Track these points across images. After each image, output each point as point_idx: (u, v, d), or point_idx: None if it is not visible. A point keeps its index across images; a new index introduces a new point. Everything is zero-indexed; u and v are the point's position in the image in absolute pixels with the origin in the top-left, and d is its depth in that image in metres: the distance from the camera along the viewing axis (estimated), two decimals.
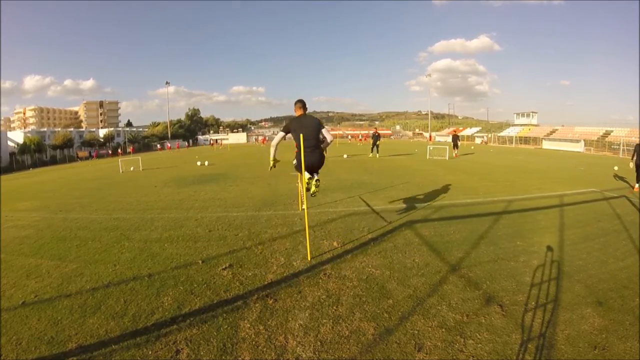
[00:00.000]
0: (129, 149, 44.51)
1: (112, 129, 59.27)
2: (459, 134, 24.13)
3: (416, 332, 2.60)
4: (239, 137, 63.12)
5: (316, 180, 4.16)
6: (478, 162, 16.93)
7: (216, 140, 59.53)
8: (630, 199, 7.21)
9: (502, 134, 44.88)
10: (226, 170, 14.37)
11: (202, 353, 2.41)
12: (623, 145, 25.51)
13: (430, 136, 51.79)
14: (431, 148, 19.79)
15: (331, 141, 4.37)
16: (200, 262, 4.06)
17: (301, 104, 4.29)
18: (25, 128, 67.96)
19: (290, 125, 4.21)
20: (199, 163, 13.96)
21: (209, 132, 72.96)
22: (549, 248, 4.25)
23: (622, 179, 10.60)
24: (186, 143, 59.12)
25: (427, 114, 68.41)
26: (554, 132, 38.23)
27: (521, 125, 46.64)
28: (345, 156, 18.97)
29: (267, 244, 4.62)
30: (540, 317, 2.78)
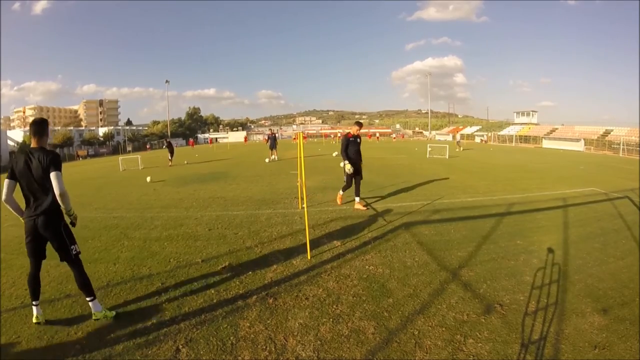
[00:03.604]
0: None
1: (111, 127, 59.24)
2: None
3: (416, 331, 2.60)
4: (239, 136, 63.00)
5: None
6: (478, 160, 16.92)
7: (216, 139, 59.44)
8: (632, 199, 7.20)
9: (502, 132, 44.88)
10: (226, 169, 14.36)
11: (201, 352, 2.40)
12: (623, 145, 25.47)
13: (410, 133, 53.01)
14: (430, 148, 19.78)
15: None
16: (200, 261, 4.05)
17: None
18: (25, 127, 67.76)
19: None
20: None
21: (209, 130, 72.89)
22: (550, 250, 4.24)
23: None
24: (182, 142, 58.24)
25: (427, 113, 68.37)
26: (554, 131, 38.21)
27: (521, 124, 46.64)
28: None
29: (267, 243, 4.61)
30: (541, 316, 2.77)
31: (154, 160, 22.03)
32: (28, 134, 40.51)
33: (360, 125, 6.65)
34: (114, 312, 2.88)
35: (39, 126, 2.67)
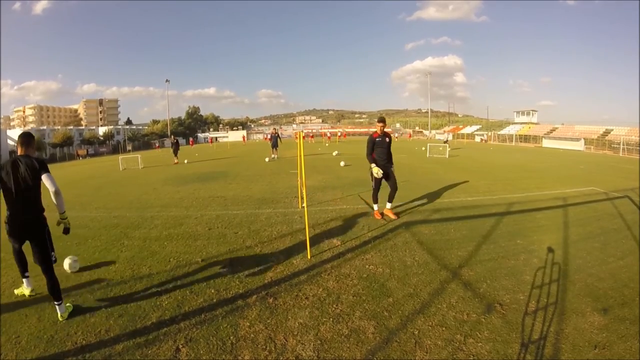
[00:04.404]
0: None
1: (111, 127, 59.25)
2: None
3: (416, 330, 2.60)
4: (239, 135, 62.79)
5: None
6: (478, 160, 16.92)
7: (216, 138, 59.36)
8: (632, 199, 7.19)
9: (502, 132, 44.86)
10: (226, 168, 14.35)
11: (201, 352, 2.40)
12: (623, 144, 25.47)
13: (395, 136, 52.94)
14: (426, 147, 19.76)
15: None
16: (200, 260, 4.05)
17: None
18: (25, 126, 67.84)
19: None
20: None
21: (209, 129, 72.82)
22: (550, 249, 4.24)
23: None
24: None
25: (427, 112, 68.40)
26: (554, 130, 38.20)
27: (521, 123, 46.62)
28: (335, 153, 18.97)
29: (267, 242, 4.61)
30: (541, 315, 2.77)
31: (156, 159, 22.03)
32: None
33: (383, 121, 5.70)
34: (71, 307, 2.97)
35: (27, 138, 2.89)
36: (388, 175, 5.60)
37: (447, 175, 10.88)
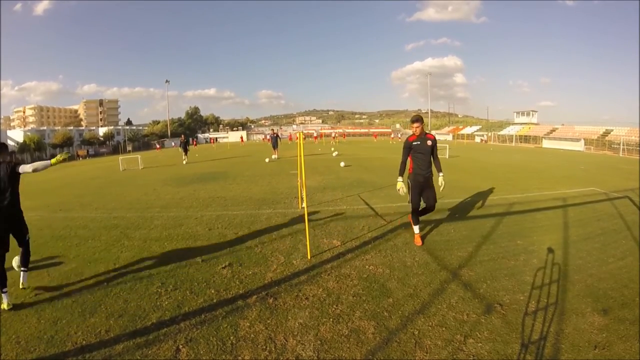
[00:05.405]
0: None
1: (111, 127, 59.28)
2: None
3: (416, 331, 2.60)
4: (238, 136, 62.65)
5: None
6: (478, 161, 16.93)
7: (216, 139, 59.41)
8: (632, 199, 7.19)
9: (502, 132, 44.87)
10: (226, 169, 14.36)
11: (201, 352, 2.40)
12: (623, 144, 25.47)
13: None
14: None
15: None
16: (200, 260, 4.06)
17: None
18: (25, 127, 67.85)
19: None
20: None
21: (209, 130, 72.81)
22: (550, 250, 4.24)
23: None
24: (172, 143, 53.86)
25: (427, 113, 68.40)
26: (554, 131, 38.20)
27: (521, 124, 46.62)
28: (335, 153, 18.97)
29: (267, 243, 4.61)
30: (541, 316, 2.77)
31: (156, 160, 22.03)
32: (28, 134, 40.63)
33: (419, 120, 4.34)
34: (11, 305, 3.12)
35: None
36: (425, 189, 4.45)
37: (446, 176, 10.87)
